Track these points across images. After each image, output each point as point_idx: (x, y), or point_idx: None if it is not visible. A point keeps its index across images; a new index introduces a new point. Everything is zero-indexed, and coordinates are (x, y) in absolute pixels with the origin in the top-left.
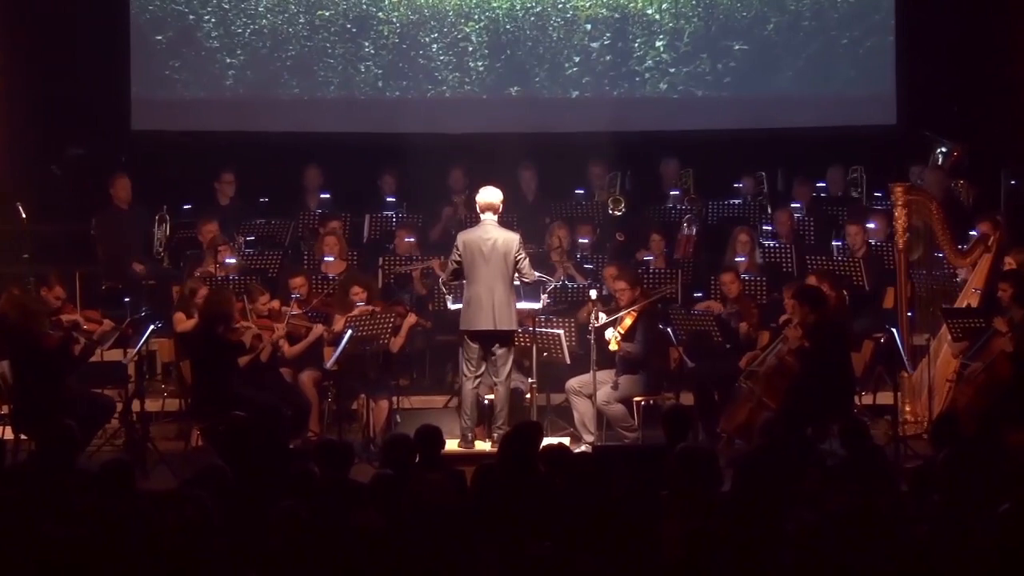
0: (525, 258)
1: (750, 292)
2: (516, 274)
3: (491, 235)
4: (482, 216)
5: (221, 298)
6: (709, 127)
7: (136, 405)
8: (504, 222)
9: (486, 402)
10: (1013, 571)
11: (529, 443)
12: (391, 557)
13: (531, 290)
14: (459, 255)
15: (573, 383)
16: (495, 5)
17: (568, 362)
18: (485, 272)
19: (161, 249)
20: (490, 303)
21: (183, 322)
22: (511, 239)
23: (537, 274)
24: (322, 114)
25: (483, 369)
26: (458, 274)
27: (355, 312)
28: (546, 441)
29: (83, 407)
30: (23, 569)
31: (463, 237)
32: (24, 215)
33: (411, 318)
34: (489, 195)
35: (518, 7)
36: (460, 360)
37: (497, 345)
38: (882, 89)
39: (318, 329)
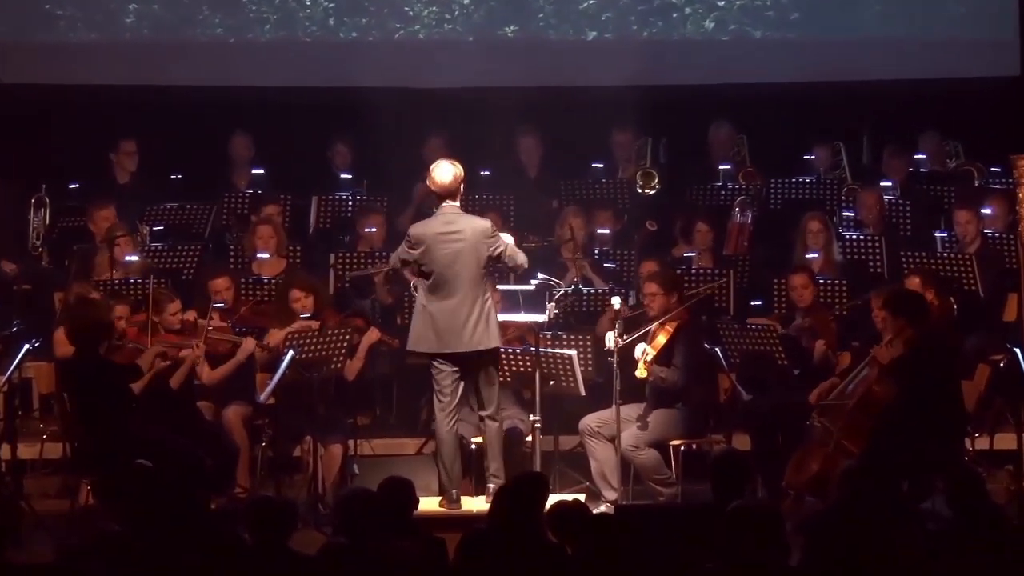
0: (504, 245)
1: (826, 300)
2: (500, 266)
3: (456, 227)
4: (439, 202)
5: (90, 307)
6: (770, 80)
7: (6, 451)
8: (497, 206)
9: (472, 447)
10: None
11: (531, 501)
12: None
13: (533, 298)
14: (411, 251)
15: (590, 422)
16: None
17: (583, 393)
18: (453, 276)
19: (39, 242)
20: (462, 317)
21: (68, 342)
22: (481, 228)
23: (526, 264)
24: (254, 63)
25: (459, 400)
26: (404, 271)
27: (297, 326)
28: (554, 498)
29: None
30: None
31: (418, 231)
32: None
33: (372, 334)
34: (443, 173)
35: None
36: (434, 394)
37: (478, 369)
38: (1001, 31)
39: (248, 344)
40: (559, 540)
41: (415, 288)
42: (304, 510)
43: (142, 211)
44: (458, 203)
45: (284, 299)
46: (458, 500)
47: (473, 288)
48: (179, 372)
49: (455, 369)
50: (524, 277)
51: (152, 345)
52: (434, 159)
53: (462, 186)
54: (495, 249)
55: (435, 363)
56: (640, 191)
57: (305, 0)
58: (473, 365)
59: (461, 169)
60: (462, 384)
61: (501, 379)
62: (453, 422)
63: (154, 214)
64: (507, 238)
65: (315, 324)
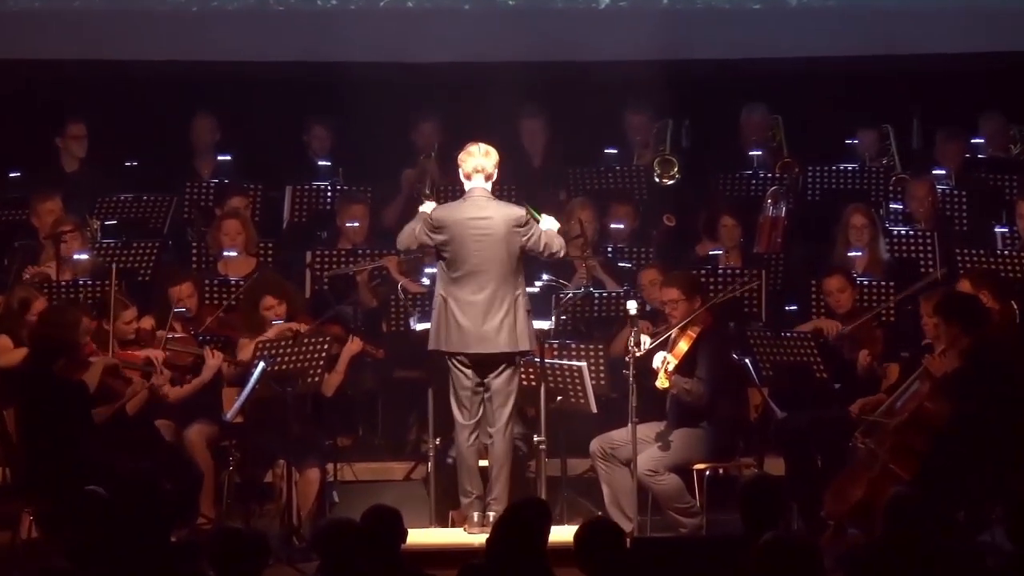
0: (539, 234)
1: (870, 304)
2: (535, 254)
3: (485, 213)
4: (467, 184)
5: (61, 318)
6: (808, 54)
7: None
8: (496, 198)
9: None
10: None
11: (532, 531)
12: None
13: (537, 302)
14: (432, 236)
15: (602, 443)
16: None
17: (594, 410)
18: (481, 268)
19: None
20: (489, 315)
21: (8, 351)
22: (513, 216)
23: (557, 243)
24: (220, 35)
25: (481, 414)
26: (413, 263)
27: (269, 334)
28: (560, 531)
29: None
30: None
31: (442, 214)
32: None
33: (354, 345)
34: (478, 155)
35: None
36: (451, 400)
37: (494, 375)
38: None
39: (214, 360)
40: (587, 572)
41: (403, 291)
42: (276, 543)
43: (92, 203)
44: (489, 187)
45: (254, 305)
46: (485, 521)
47: (503, 282)
48: (137, 399)
49: (478, 379)
50: (527, 279)
51: (100, 359)
52: (425, 143)
53: (496, 172)
54: (528, 238)
55: (454, 364)
56: (657, 181)
57: None
58: (494, 370)
59: (496, 154)
60: (484, 397)
61: (517, 389)
62: (474, 437)
63: (106, 206)
64: (549, 223)
65: (295, 326)
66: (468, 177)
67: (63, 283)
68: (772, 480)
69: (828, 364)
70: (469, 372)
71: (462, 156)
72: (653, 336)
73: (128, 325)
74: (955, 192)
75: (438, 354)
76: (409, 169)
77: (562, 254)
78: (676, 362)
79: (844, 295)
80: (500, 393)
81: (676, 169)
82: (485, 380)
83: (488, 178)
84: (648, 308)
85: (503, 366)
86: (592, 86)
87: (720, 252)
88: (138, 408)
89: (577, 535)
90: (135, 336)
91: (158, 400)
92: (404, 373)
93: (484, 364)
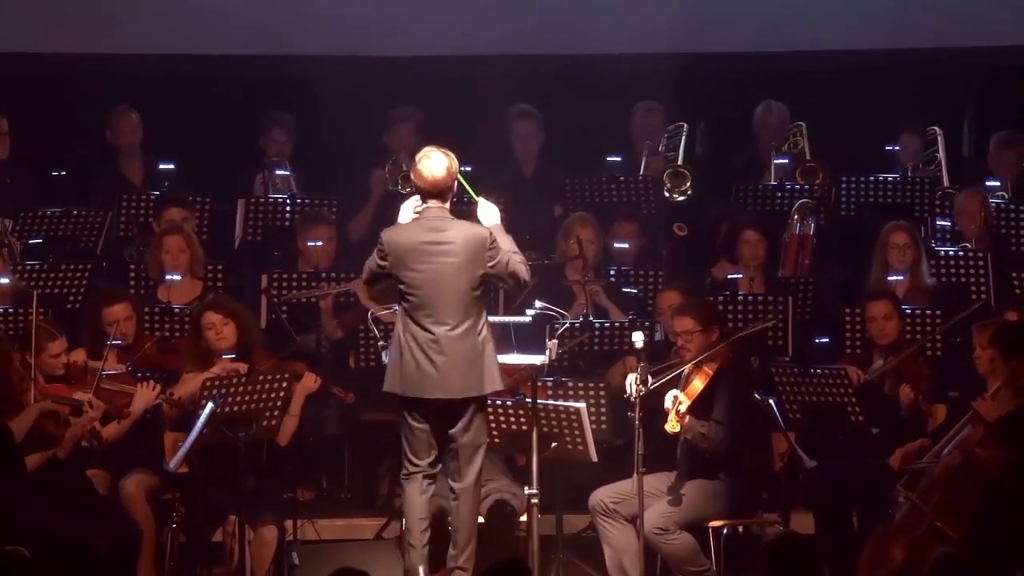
0: (502, 254)
1: (913, 336)
2: (498, 281)
3: (444, 235)
4: (423, 204)
5: None
6: (839, 47)
7: None
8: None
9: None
10: None
11: None
12: None
13: (530, 333)
14: (382, 263)
15: (604, 497)
16: None
17: (594, 459)
18: (436, 298)
19: None
20: (447, 354)
21: None
22: (477, 237)
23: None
24: (165, 25)
25: (438, 460)
26: (387, 290)
27: (216, 369)
28: None
29: None
30: None
31: (391, 236)
32: None
33: (308, 381)
34: (433, 167)
35: None
36: (403, 445)
37: (460, 426)
38: None
39: (149, 390)
40: None
41: (374, 321)
42: None
43: (15, 218)
44: (447, 205)
45: (198, 329)
46: None
47: (463, 315)
48: (68, 441)
49: (435, 428)
50: (519, 307)
51: (36, 400)
52: (404, 148)
53: (456, 184)
54: (494, 263)
55: (404, 412)
56: (668, 196)
57: None
58: (454, 417)
59: (456, 161)
60: (449, 448)
61: (487, 440)
62: (427, 487)
63: (30, 222)
64: (489, 213)
65: (241, 366)
66: (424, 195)
67: None
68: (800, 539)
69: (865, 404)
70: (421, 424)
71: (416, 170)
72: (661, 372)
73: (56, 359)
74: (1011, 207)
75: (392, 396)
76: (379, 170)
77: (521, 288)
78: (689, 402)
79: (891, 324)
80: (468, 447)
81: (689, 184)
82: (450, 431)
83: (446, 195)
84: (659, 338)
85: (469, 414)
86: (593, 83)
87: (739, 276)
88: (68, 452)
89: None
90: (64, 371)
91: (99, 443)
92: (375, 415)
93: (446, 412)
